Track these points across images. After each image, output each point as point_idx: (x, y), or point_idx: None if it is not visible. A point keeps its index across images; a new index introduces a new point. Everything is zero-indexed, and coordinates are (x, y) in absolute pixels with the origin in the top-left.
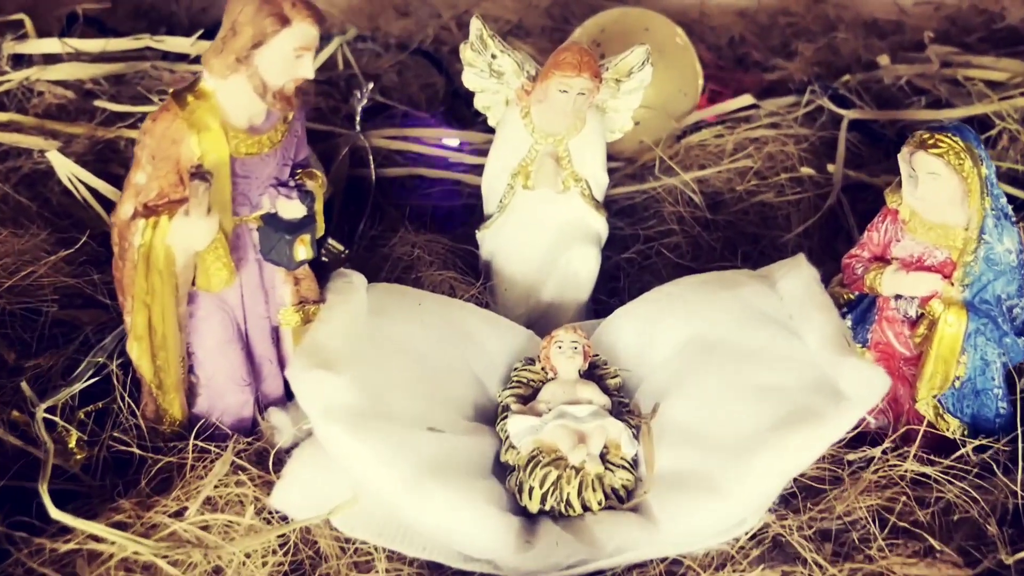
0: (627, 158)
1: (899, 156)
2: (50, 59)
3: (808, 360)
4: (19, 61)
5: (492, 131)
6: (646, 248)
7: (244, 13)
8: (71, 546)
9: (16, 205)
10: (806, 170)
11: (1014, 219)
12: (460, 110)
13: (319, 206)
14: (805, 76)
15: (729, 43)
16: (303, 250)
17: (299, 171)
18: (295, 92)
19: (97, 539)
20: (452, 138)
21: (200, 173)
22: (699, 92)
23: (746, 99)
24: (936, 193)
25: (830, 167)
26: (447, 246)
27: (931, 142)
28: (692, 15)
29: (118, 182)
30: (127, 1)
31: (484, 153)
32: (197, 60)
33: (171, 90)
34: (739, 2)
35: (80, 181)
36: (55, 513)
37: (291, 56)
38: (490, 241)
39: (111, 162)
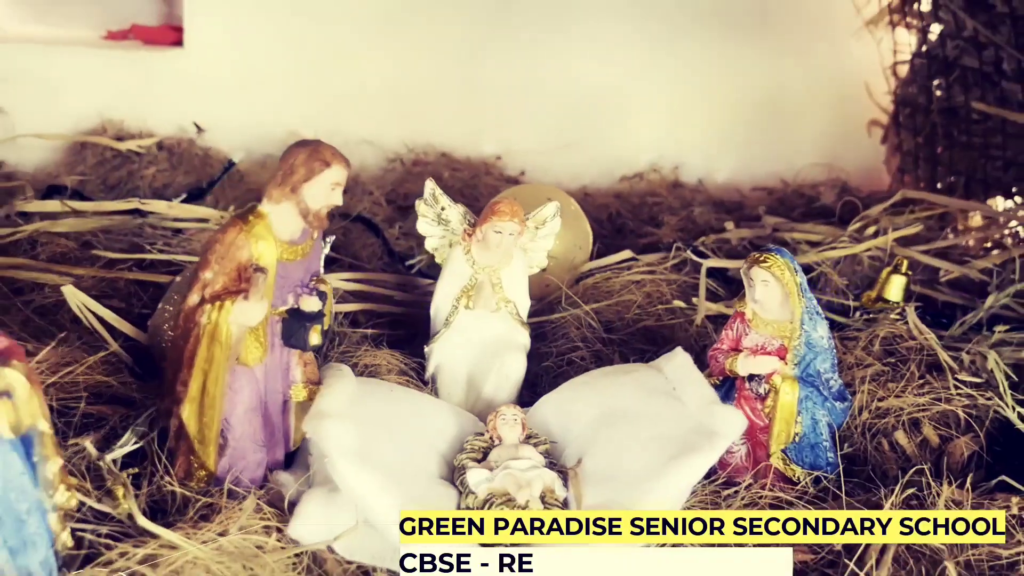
0: (538, 297)
1: (741, 270)
2: (47, 216)
3: (688, 415)
4: (25, 218)
5: (425, 276)
6: (558, 360)
7: (299, 159)
8: (146, 551)
9: (36, 327)
10: (677, 303)
11: (823, 314)
12: (393, 265)
13: (329, 304)
14: (671, 239)
15: (608, 217)
16: (316, 336)
17: (314, 277)
18: (327, 214)
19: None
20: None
21: (260, 268)
22: (590, 247)
23: (627, 254)
24: (768, 297)
25: (695, 300)
26: (401, 360)
27: (762, 259)
28: (577, 196)
29: (119, 313)
30: (96, 178)
31: (420, 296)
32: (175, 221)
33: (232, 212)
34: (615, 187)
35: (89, 310)
36: (142, 521)
37: (329, 189)
38: (437, 353)
39: (112, 298)
